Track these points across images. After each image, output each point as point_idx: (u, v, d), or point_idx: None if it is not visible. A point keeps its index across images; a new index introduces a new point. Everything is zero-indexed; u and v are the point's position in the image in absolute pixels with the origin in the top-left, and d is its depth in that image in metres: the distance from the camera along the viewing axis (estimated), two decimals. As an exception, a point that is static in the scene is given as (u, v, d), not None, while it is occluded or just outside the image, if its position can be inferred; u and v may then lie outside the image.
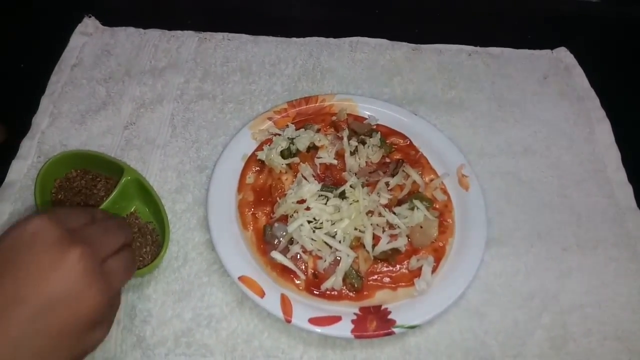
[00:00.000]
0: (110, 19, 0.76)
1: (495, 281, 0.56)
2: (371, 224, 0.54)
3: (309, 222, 0.54)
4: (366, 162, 0.61)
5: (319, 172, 0.59)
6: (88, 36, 0.74)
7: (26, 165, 0.61)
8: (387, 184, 0.58)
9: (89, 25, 0.75)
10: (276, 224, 0.55)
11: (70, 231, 0.38)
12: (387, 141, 0.63)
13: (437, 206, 0.58)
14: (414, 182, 0.59)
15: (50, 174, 0.56)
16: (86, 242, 0.38)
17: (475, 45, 0.77)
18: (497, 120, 0.69)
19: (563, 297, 0.55)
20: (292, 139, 0.61)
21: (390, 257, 0.54)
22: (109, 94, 0.68)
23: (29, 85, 0.68)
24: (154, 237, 0.55)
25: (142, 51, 0.73)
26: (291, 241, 0.54)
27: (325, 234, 0.53)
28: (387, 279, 0.53)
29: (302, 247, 0.53)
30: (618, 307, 0.55)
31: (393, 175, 0.58)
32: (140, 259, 0.54)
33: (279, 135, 0.62)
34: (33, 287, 0.35)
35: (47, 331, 0.35)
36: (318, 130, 0.63)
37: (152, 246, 0.55)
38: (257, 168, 0.60)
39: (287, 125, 0.63)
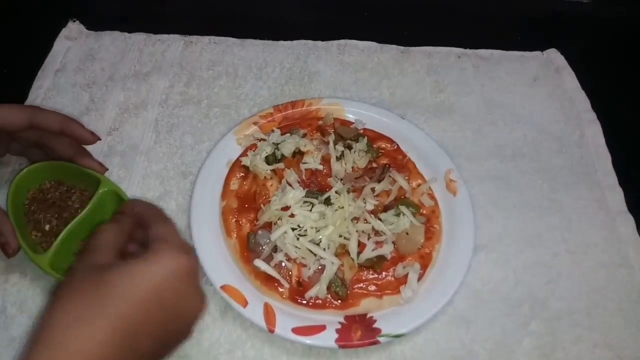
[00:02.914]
0: (95, 24, 0.75)
1: (483, 288, 0.55)
2: (356, 231, 0.53)
3: (293, 229, 0.53)
4: (352, 167, 0.60)
5: (304, 178, 0.58)
6: (72, 41, 0.73)
7: (7, 172, 0.60)
8: (373, 189, 0.57)
9: (73, 29, 0.74)
10: (260, 232, 0.54)
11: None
12: (374, 146, 0.62)
13: (424, 212, 0.57)
14: (401, 187, 0.58)
15: (23, 185, 0.54)
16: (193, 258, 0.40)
17: (465, 48, 0.76)
18: (486, 123, 0.68)
19: (552, 304, 0.54)
20: (277, 144, 0.60)
21: (376, 264, 0.53)
22: (92, 99, 0.67)
23: (12, 91, 0.67)
24: None
25: (127, 55, 0.72)
26: (275, 249, 0.53)
27: (310, 241, 0.52)
28: (372, 287, 0.52)
29: (286, 255, 0.52)
30: (608, 313, 0.54)
31: (379, 181, 0.58)
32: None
33: (264, 140, 0.61)
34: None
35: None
36: (304, 135, 0.62)
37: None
38: (242, 174, 0.59)
39: (273, 130, 0.62)
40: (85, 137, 0.53)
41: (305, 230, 0.53)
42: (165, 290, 0.37)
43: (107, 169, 0.57)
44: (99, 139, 0.54)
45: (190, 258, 0.39)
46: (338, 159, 0.59)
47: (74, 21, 0.75)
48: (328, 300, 0.51)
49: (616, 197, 0.62)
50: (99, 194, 0.53)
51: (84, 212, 0.52)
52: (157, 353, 0.38)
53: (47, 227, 0.54)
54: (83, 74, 0.70)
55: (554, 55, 0.76)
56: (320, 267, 0.51)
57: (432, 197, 0.59)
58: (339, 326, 0.50)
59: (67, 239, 0.51)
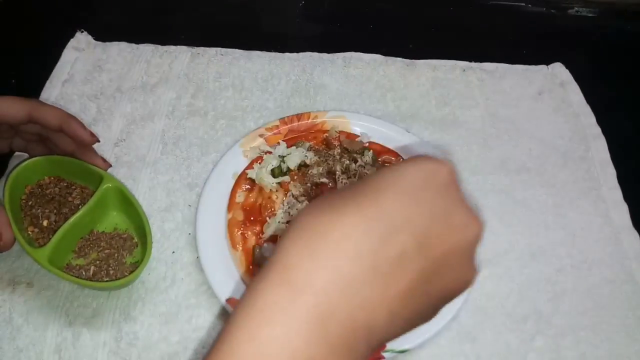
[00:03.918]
0: (103, 34, 0.76)
1: (488, 303, 0.55)
2: (362, 245, 0.53)
3: (299, 242, 0.53)
4: (358, 180, 0.60)
5: (309, 191, 0.59)
6: (80, 51, 0.74)
7: None
8: (378, 203, 0.57)
9: (81, 40, 0.75)
10: (265, 245, 0.54)
11: None
12: (380, 159, 0.62)
13: (429, 226, 0.57)
14: (406, 201, 0.58)
15: (20, 180, 0.54)
16: None
17: (470, 61, 0.77)
18: (491, 137, 0.69)
19: (557, 320, 0.54)
20: (283, 157, 0.60)
21: (381, 278, 0.53)
22: (100, 110, 0.67)
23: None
24: (134, 248, 0.55)
25: (134, 67, 0.72)
26: (280, 262, 0.53)
27: (315, 255, 0.52)
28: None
29: (292, 268, 0.52)
30: (612, 330, 0.54)
31: (385, 195, 0.58)
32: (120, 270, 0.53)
33: (270, 153, 0.61)
34: (437, 241, 0.30)
35: (428, 292, 0.30)
36: (310, 148, 0.62)
37: (133, 257, 0.54)
38: (248, 186, 0.60)
39: (279, 143, 0.62)
40: (83, 137, 0.52)
41: (311, 244, 0.53)
42: (423, 188, 0.30)
43: (110, 165, 0.57)
44: (98, 141, 0.54)
45: (451, 166, 0.33)
46: (343, 172, 0.60)
47: (82, 32, 0.75)
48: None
49: (621, 212, 0.62)
50: (102, 190, 0.53)
51: (86, 206, 0.52)
52: (428, 265, 0.29)
53: (45, 223, 0.54)
54: (90, 84, 0.70)
55: (559, 70, 0.77)
56: (325, 281, 0.52)
57: (437, 211, 0.59)
58: (344, 341, 0.50)
59: (67, 235, 0.51)
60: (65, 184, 0.57)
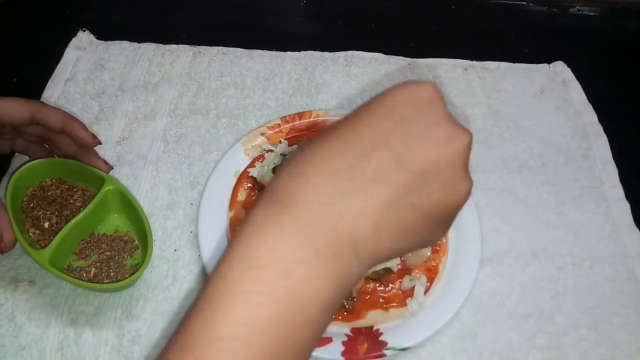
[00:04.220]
0: (105, 33, 0.76)
1: (490, 301, 0.55)
2: (363, 243, 0.54)
3: (300, 240, 0.53)
4: (359, 179, 0.60)
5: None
6: (82, 50, 0.74)
7: None
8: (380, 201, 0.57)
9: (83, 39, 0.75)
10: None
11: None
12: (381, 157, 0.62)
13: (431, 224, 0.58)
14: (407, 199, 0.58)
15: (22, 181, 0.54)
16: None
17: (471, 60, 0.77)
18: (493, 135, 0.69)
19: (558, 318, 0.54)
20: (285, 155, 0.60)
21: (383, 276, 0.53)
22: (102, 109, 0.67)
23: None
24: (135, 250, 0.55)
25: (136, 65, 0.73)
26: (282, 260, 0.53)
27: (317, 253, 0.52)
28: (380, 300, 0.52)
29: (293, 266, 0.52)
30: (614, 328, 0.54)
31: (386, 193, 0.58)
32: (120, 272, 0.53)
33: (272, 151, 0.61)
34: (416, 154, 0.32)
35: (414, 205, 0.32)
36: (311, 146, 0.62)
37: (134, 259, 0.54)
38: (249, 185, 0.60)
39: (280, 141, 0.62)
40: (85, 139, 0.53)
41: (312, 242, 0.53)
42: (403, 108, 0.33)
43: (112, 168, 0.57)
44: (100, 143, 0.54)
45: (434, 86, 0.34)
46: (345, 170, 0.60)
47: (84, 31, 0.76)
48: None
49: (623, 211, 0.62)
50: (103, 192, 0.54)
51: (87, 208, 0.52)
52: (409, 177, 0.32)
53: (46, 225, 0.54)
54: (93, 83, 0.70)
55: (560, 68, 0.76)
56: (327, 279, 0.52)
57: (438, 209, 0.59)
58: (345, 338, 0.50)
59: (68, 237, 0.51)
60: (67, 186, 0.57)
